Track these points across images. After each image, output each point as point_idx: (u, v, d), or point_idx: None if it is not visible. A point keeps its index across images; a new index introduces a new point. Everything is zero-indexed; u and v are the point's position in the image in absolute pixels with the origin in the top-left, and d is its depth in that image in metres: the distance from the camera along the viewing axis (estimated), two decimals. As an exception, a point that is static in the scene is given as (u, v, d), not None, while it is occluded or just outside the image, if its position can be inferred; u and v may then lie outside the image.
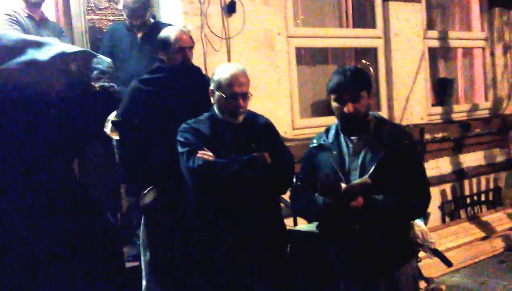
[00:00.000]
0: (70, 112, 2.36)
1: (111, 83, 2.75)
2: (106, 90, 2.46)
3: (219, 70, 2.56)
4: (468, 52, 5.96)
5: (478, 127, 5.45)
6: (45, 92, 2.24)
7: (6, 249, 2.15)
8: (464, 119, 5.48)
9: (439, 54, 5.68)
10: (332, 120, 2.51)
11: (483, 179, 5.52)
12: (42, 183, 2.26)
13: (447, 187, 5.20)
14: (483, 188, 5.53)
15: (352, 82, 2.30)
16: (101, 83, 2.46)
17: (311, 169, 2.42)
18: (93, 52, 2.69)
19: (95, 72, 2.47)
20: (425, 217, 3.11)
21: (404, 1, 4.96)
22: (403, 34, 4.95)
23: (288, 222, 3.04)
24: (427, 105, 5.20)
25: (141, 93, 2.92)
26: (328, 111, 3.10)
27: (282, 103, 4.22)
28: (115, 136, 3.02)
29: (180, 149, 2.49)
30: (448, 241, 4.67)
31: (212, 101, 2.58)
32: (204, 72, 3.30)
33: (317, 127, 3.64)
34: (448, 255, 3.61)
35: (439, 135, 5.11)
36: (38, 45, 2.31)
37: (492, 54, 5.79)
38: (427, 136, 4.97)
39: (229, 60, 3.90)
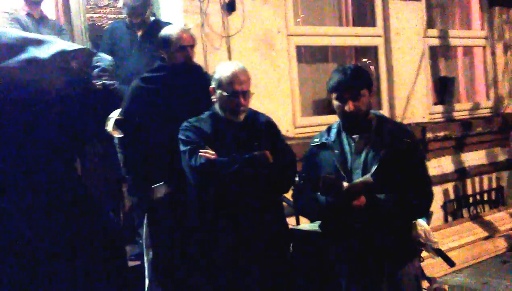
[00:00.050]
0: (70, 111, 2.35)
1: (111, 81, 2.74)
2: (106, 88, 2.45)
3: (220, 69, 2.56)
4: (468, 51, 5.96)
5: (480, 126, 5.45)
6: (45, 91, 2.23)
7: (6, 249, 2.14)
8: (465, 118, 5.47)
9: (440, 53, 5.68)
10: (334, 119, 2.50)
11: (485, 178, 5.51)
12: (42, 183, 2.25)
13: (450, 186, 5.19)
14: (485, 187, 5.52)
15: (352, 80, 2.29)
16: (102, 81, 2.45)
17: (313, 167, 2.41)
18: (93, 50, 2.69)
19: (96, 70, 2.46)
20: (428, 216, 3.09)
21: (404, 0, 4.95)
22: (404, 32, 4.95)
23: (291, 221, 3.03)
24: (429, 104, 5.19)
25: (142, 92, 2.92)
26: (330, 110, 3.08)
27: (283, 101, 4.21)
28: (117, 135, 3.01)
29: (182, 147, 2.49)
30: (450, 241, 4.65)
31: (213, 99, 2.57)
32: (203, 70, 3.29)
33: (319, 126, 3.63)
34: (450, 254, 3.59)
35: (441, 134, 5.10)
36: (38, 43, 2.30)
37: (493, 53, 5.78)
38: (429, 135, 4.97)
39: (229, 58, 3.89)
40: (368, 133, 2.34)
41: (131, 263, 3.17)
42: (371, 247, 2.27)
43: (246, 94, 2.52)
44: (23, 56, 2.21)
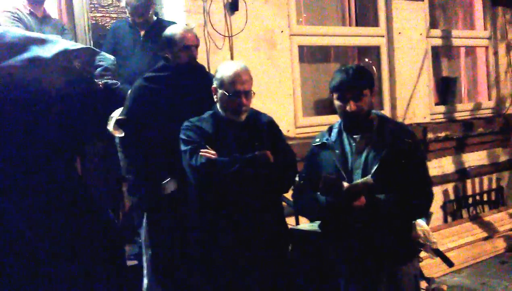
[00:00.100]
0: (71, 110, 2.36)
1: (114, 81, 2.75)
2: (109, 88, 2.46)
3: (222, 68, 2.56)
4: (471, 51, 5.94)
5: (481, 127, 5.44)
6: (46, 90, 2.24)
7: (6, 249, 2.15)
8: (467, 119, 5.46)
9: (442, 53, 5.66)
10: (335, 119, 2.50)
11: (485, 179, 5.51)
12: (42, 183, 2.26)
13: (450, 187, 5.19)
14: (485, 187, 5.51)
15: (354, 80, 2.30)
16: (104, 81, 2.47)
17: (314, 167, 2.42)
18: (96, 49, 2.69)
19: (99, 69, 2.47)
20: (427, 216, 3.10)
21: (406, 0, 4.95)
22: (406, 32, 4.94)
23: (290, 221, 3.04)
24: (430, 104, 5.19)
25: (146, 91, 2.91)
26: (331, 110, 3.09)
27: (284, 101, 4.21)
28: (118, 134, 3.02)
29: (182, 147, 2.49)
30: (450, 241, 4.65)
31: (215, 99, 2.57)
32: (206, 70, 3.30)
33: (320, 126, 3.63)
34: (449, 255, 3.61)
35: (442, 134, 5.09)
36: (41, 42, 2.31)
37: (495, 53, 5.77)
38: (430, 135, 4.96)
39: (231, 58, 3.89)
40: (369, 134, 2.35)
41: (130, 263, 3.18)
42: (370, 247, 2.27)
43: (248, 94, 2.51)
44: (26, 55, 2.22)
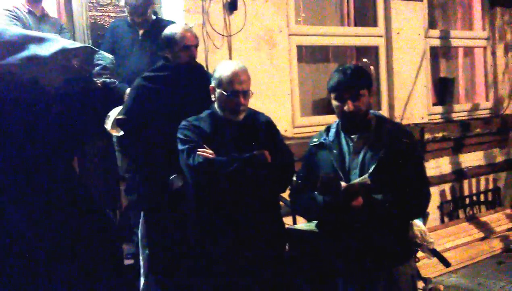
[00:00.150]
0: (70, 110, 2.36)
1: (112, 79, 2.75)
2: (107, 87, 2.46)
3: (220, 68, 2.56)
4: (469, 51, 5.95)
5: (479, 127, 5.45)
6: (45, 89, 2.24)
7: (6, 249, 2.15)
8: (464, 119, 5.48)
9: (440, 53, 5.67)
10: (333, 119, 2.51)
11: (482, 179, 5.52)
12: (42, 183, 2.26)
13: (447, 187, 5.20)
14: (482, 188, 5.53)
15: (352, 80, 2.30)
16: (103, 79, 2.47)
17: (311, 167, 2.42)
18: (94, 48, 2.69)
19: (97, 68, 2.47)
20: (424, 216, 3.10)
21: (405, 0, 4.95)
22: (405, 33, 4.95)
23: (287, 221, 3.04)
24: (428, 105, 5.20)
25: (145, 91, 2.91)
26: (329, 110, 3.09)
27: (282, 101, 4.22)
28: (115, 133, 3.02)
29: (180, 146, 2.49)
30: (446, 241, 4.67)
31: (213, 98, 2.57)
32: (205, 69, 3.30)
33: (318, 126, 3.63)
34: (446, 255, 3.61)
35: (439, 135, 5.11)
36: (40, 40, 2.31)
37: (493, 53, 5.78)
38: (428, 135, 4.97)
39: (230, 57, 3.89)
40: (367, 134, 2.35)
41: (126, 262, 3.18)
42: (368, 247, 2.28)
43: (246, 93, 2.51)
44: (24, 53, 2.22)
